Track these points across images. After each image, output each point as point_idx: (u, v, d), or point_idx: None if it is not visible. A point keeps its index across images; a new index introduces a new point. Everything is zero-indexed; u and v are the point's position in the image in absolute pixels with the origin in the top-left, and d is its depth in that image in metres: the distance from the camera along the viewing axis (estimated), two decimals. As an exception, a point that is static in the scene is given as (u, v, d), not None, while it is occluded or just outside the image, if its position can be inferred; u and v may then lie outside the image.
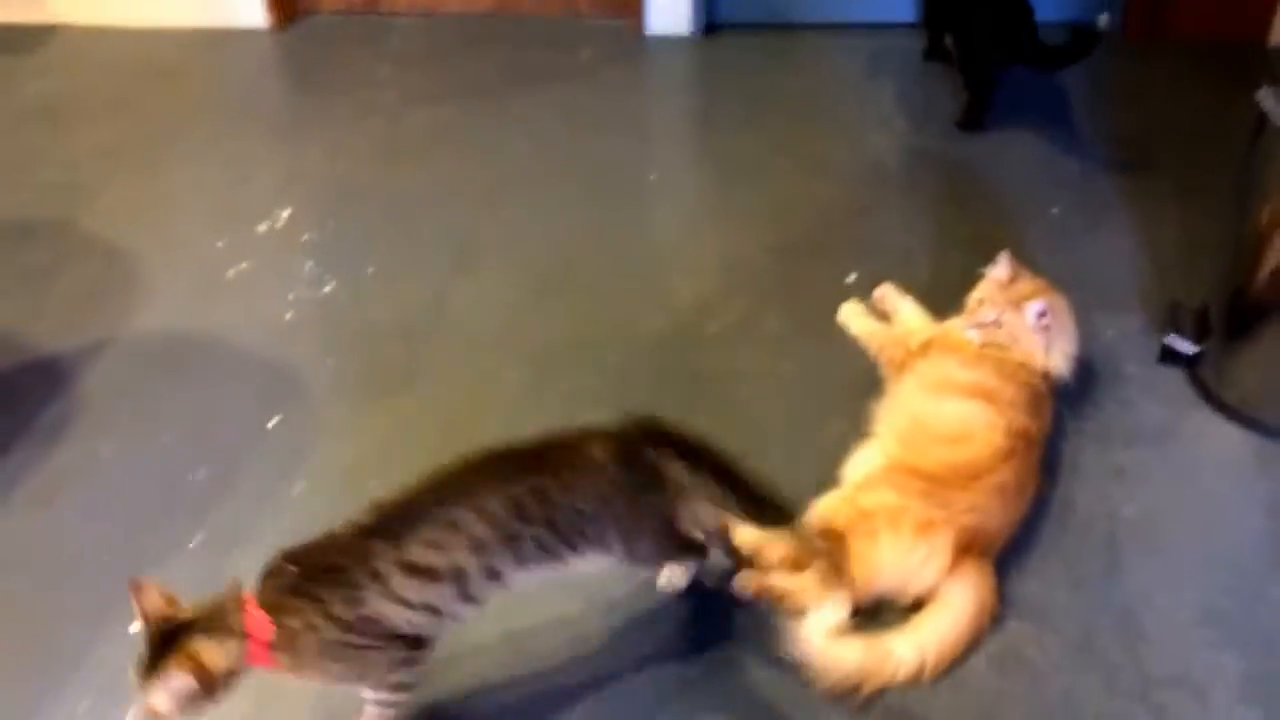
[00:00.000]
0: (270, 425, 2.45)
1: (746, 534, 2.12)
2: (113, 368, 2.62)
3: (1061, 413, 2.35)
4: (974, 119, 3.33)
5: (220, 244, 2.99)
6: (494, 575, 1.71)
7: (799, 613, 2.00)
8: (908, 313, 2.60)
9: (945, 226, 2.97)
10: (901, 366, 2.40)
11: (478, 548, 1.67)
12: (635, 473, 1.77)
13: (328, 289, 2.83)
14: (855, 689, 1.90)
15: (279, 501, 2.28)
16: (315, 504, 2.27)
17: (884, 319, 2.62)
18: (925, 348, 2.39)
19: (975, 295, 2.38)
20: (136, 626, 2.01)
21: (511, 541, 1.70)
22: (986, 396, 2.19)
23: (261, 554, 2.13)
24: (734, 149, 3.34)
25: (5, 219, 3.15)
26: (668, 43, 3.86)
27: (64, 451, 2.40)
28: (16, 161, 3.37)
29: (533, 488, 1.71)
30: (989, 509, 2.05)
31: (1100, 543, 2.15)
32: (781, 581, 2.05)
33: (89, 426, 2.46)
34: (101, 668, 1.99)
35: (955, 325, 2.39)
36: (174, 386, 2.58)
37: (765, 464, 2.27)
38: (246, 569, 2.10)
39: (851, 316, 2.62)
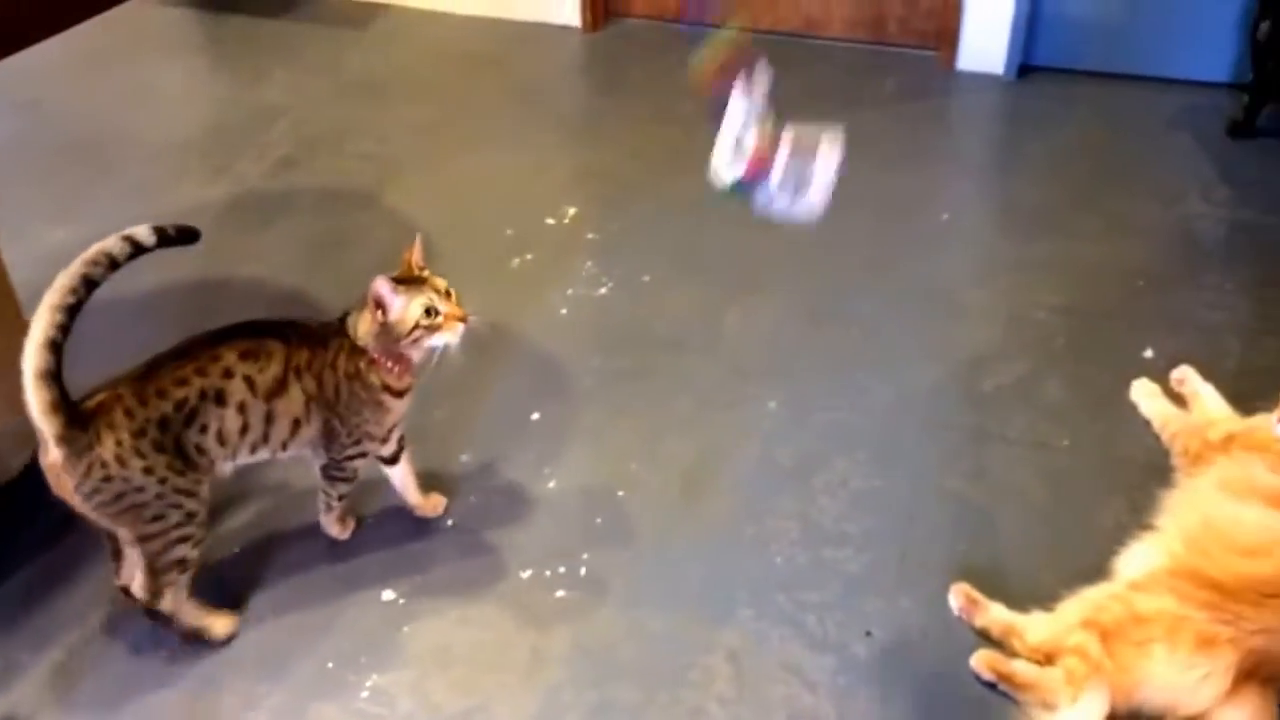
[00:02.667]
0: (533, 418, 2.48)
1: (998, 612, 2.01)
2: (394, 339, 2.72)
3: (1378, 539, 2.11)
4: None
5: (509, 231, 3.06)
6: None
7: (1046, 707, 1.87)
8: (1209, 400, 2.39)
9: (1263, 311, 2.72)
10: (1197, 459, 2.21)
11: None
12: None
13: (604, 290, 2.85)
14: (1101, 802, 1.76)
15: (531, 496, 2.30)
16: (563, 503, 2.29)
17: (1179, 403, 2.43)
18: (1227, 442, 2.19)
19: (1294, 390, 2.16)
20: (387, 594, 2.10)
21: None
22: (1293, 508, 1.99)
23: (509, 543, 2.20)
24: (1035, 199, 3.18)
25: (320, 184, 3.33)
26: (978, 80, 3.72)
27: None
28: (337, 129, 3.56)
29: None
30: (1281, 633, 1.86)
31: (1407, 693, 1.92)
32: (1026, 671, 1.92)
33: (365, 393, 2.56)
34: (348, 630, 2.07)
35: (1264, 422, 2.18)
36: (448, 365, 2.64)
37: (1027, 542, 2.19)
38: (496, 550, 2.18)
39: (1144, 395, 2.44)
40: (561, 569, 2.15)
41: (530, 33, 4.07)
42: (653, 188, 3.25)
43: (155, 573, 1.94)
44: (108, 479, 1.81)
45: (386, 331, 1.93)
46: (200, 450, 1.90)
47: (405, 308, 1.90)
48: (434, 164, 3.39)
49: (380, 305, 1.90)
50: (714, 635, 2.03)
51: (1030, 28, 3.64)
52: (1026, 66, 3.72)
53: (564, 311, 2.80)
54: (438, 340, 1.94)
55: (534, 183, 3.29)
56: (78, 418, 1.78)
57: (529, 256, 2.98)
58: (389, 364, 1.97)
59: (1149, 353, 2.59)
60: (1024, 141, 3.49)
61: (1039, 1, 3.60)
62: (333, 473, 2.11)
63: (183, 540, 1.92)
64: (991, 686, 1.93)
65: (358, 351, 1.97)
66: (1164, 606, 1.88)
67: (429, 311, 1.91)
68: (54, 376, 1.74)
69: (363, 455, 2.10)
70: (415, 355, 1.99)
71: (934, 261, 2.97)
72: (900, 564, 2.15)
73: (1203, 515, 2.05)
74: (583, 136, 3.53)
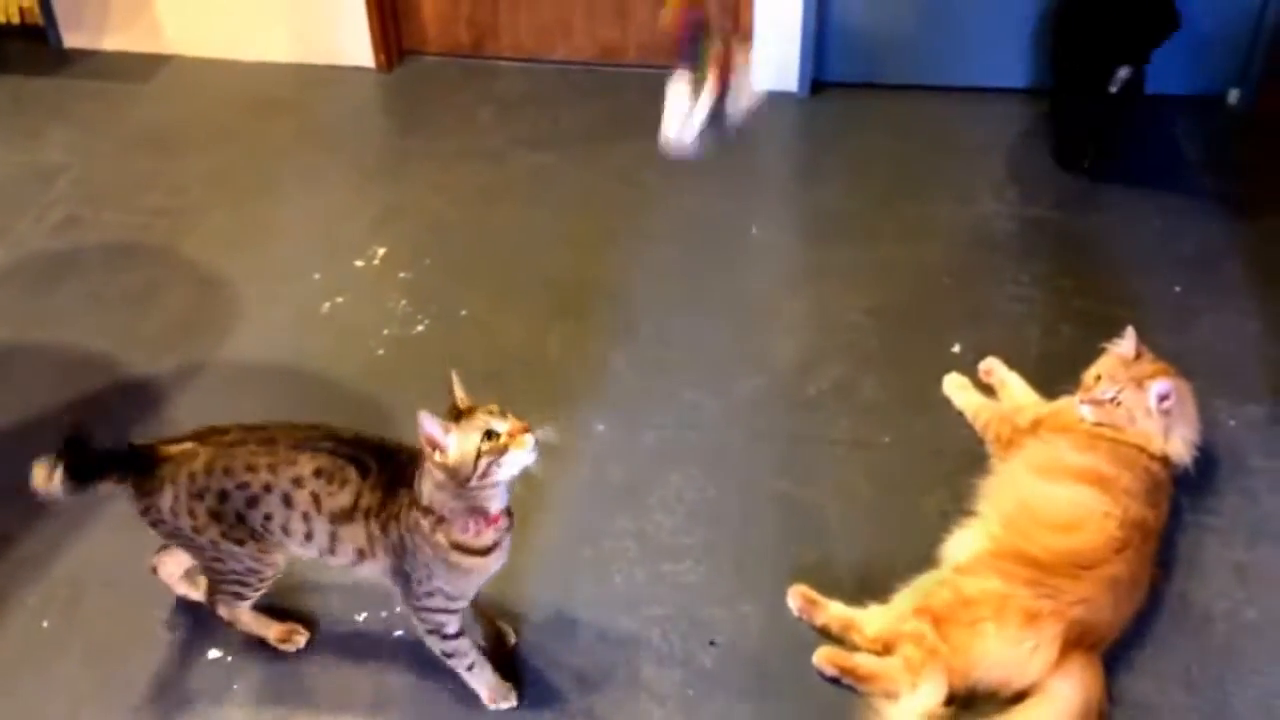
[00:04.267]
0: (355, 463, 2.41)
1: (835, 609, 2.05)
2: (203, 394, 2.61)
3: (1180, 503, 2.23)
4: (1068, 155, 3.29)
5: (317, 276, 2.98)
6: None
7: (888, 696, 1.91)
8: (1016, 388, 2.50)
9: (1058, 300, 2.86)
10: (1009, 444, 2.30)
11: None
12: None
13: (420, 328, 2.80)
14: (948, 780, 1.80)
15: (359, 541, 2.23)
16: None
17: (989, 393, 2.52)
18: (1035, 426, 2.29)
19: (1094, 370, 2.27)
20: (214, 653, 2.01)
21: None
22: (1101, 483, 2.09)
23: (341, 587, 2.13)
24: (838, 209, 3.27)
25: (110, 240, 3.17)
26: (773, 98, 3.79)
27: (150, 476, 2.39)
28: (125, 185, 3.40)
29: None
30: (1100, 602, 1.94)
31: (1218, 645, 2.03)
32: (867, 663, 1.96)
33: (175, 452, 2.45)
34: (175, 693, 1.97)
35: (1068, 404, 2.29)
36: (263, 415, 2.52)
37: (858, 538, 2.23)
38: (329, 596, 2.10)
39: (956, 388, 2.53)
40: (398, 609, 2.08)
41: (323, 76, 3.98)
42: (463, 222, 3.22)
43: (212, 590, 2.01)
44: (162, 521, 1.87)
45: (453, 477, 1.67)
46: (267, 530, 1.85)
47: (462, 440, 1.66)
48: (231, 213, 3.27)
49: (434, 446, 1.67)
50: (559, 659, 2.00)
51: (819, 45, 3.75)
52: (819, 83, 3.83)
53: (381, 353, 2.74)
54: (510, 464, 1.67)
55: (339, 226, 3.21)
56: (148, 463, 1.85)
57: (340, 300, 2.90)
58: (465, 523, 1.73)
59: (957, 347, 2.68)
60: (822, 154, 3.59)
61: (825, 19, 3.72)
62: (416, 619, 1.88)
63: (238, 585, 1.94)
64: (835, 681, 1.95)
65: (424, 509, 1.74)
66: (990, 587, 1.95)
67: (488, 435, 1.66)
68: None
69: (444, 612, 1.84)
70: (493, 497, 1.72)
71: (747, 275, 3.02)
72: (738, 571, 2.17)
73: (1018, 497, 2.13)
74: (386, 176, 3.47)
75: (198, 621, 2.09)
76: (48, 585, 2.18)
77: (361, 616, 2.10)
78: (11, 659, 2.05)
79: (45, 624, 2.11)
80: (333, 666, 2.02)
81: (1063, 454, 2.16)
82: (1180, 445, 2.19)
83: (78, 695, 1.99)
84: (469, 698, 1.94)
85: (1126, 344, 2.27)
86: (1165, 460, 2.18)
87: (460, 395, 1.73)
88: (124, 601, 2.15)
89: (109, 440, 2.41)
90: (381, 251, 3.08)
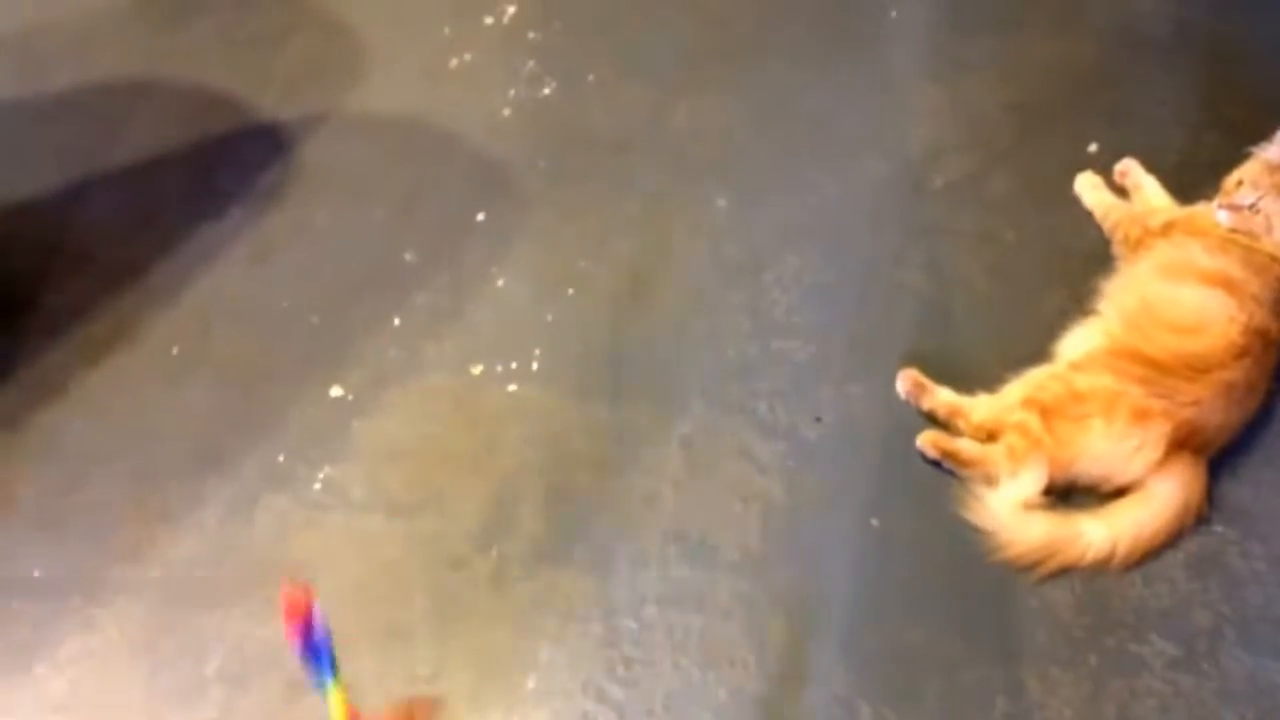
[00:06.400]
0: (479, 219, 2.45)
1: (944, 394, 2.06)
2: (331, 140, 2.66)
3: (1307, 319, 2.18)
4: None
5: (446, 31, 2.96)
6: None
7: (988, 482, 1.94)
8: (1151, 191, 2.42)
9: (1205, 107, 2.73)
10: (1137, 245, 2.25)
11: None
12: None
13: (547, 90, 2.79)
14: (1038, 563, 1.84)
15: (479, 294, 2.30)
16: (513, 301, 2.28)
17: (1122, 195, 2.45)
18: (1167, 228, 2.23)
19: (1236, 175, 2.19)
20: (335, 390, 2.11)
21: None
22: (1228, 287, 2.04)
23: (459, 339, 2.20)
24: (983, -3, 3.13)
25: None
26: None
27: (280, 215, 2.48)
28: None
29: None
30: (1212, 406, 1.93)
31: (1326, 461, 2.01)
32: (969, 448, 1.99)
33: (305, 194, 2.52)
34: (297, 425, 2.07)
35: (1204, 209, 2.22)
36: (389, 166, 2.60)
37: (973, 330, 2.22)
38: (446, 347, 2.17)
39: (1088, 187, 2.46)
40: (514, 364, 2.16)
41: None
42: (595, -14, 3.15)
43: None
44: None
45: None
46: None
47: None
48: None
49: None
50: (667, 424, 2.07)
51: None
52: None
53: (507, 113, 2.74)
54: None
55: (470, -19, 3.17)
56: None
57: (468, 57, 2.89)
58: None
59: (1094, 147, 2.59)
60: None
61: None
62: None
63: None
64: (936, 464, 1.99)
65: None
66: (1102, 383, 1.95)
67: None
68: None
69: None
70: None
71: (882, 59, 2.92)
72: (849, 353, 2.19)
73: (1141, 297, 2.10)
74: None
75: (322, 360, 2.18)
76: (178, 314, 2.29)
77: (478, 370, 2.18)
78: (140, 380, 2.18)
79: (175, 350, 2.22)
80: (444, 412, 2.10)
81: (1193, 256, 2.11)
82: (1317, 260, 2.13)
83: (201, 418, 2.11)
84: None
85: (1274, 149, 2.18)
86: (1298, 274, 2.12)
87: None
88: (251, 334, 2.26)
89: (233, 182, 2.53)
90: (511, 10, 3.03)
